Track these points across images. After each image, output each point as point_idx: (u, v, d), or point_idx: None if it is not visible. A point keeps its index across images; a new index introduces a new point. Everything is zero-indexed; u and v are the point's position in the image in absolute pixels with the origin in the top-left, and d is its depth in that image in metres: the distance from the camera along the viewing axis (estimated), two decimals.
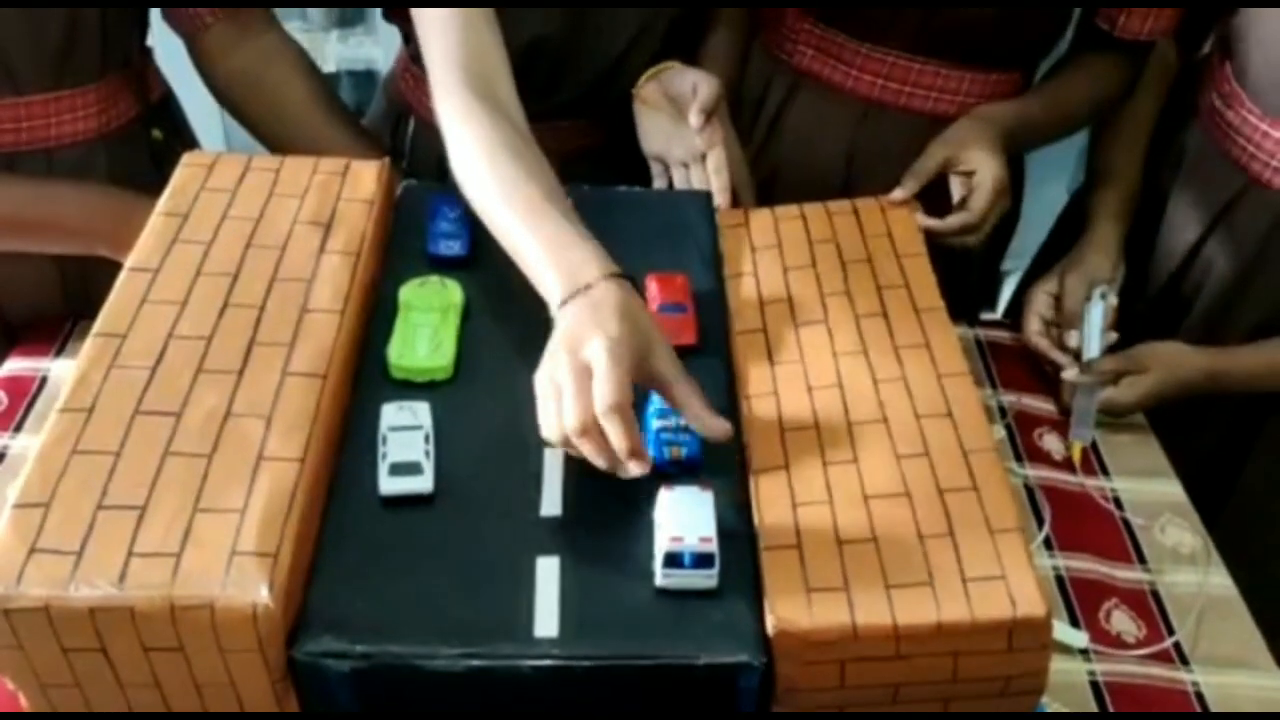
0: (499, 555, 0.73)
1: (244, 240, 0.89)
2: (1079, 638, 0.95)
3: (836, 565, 0.72)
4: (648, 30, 1.18)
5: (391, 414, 0.80)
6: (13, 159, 1.12)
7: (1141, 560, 1.04)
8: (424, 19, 0.97)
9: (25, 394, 1.12)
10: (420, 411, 0.80)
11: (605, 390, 0.72)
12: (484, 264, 0.91)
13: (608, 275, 0.78)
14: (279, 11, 1.25)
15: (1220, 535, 1.08)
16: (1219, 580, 1.03)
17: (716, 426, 0.77)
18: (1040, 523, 1.06)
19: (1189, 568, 1.04)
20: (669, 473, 0.77)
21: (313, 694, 0.70)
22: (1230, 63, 1.19)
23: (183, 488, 0.71)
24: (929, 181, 1.11)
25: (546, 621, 0.70)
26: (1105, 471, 1.13)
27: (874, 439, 0.81)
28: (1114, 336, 1.16)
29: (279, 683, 0.69)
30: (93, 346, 0.80)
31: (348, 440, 0.80)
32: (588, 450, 0.73)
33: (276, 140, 1.23)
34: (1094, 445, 1.15)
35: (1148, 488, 1.12)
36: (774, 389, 0.85)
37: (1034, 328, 1.20)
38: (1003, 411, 1.18)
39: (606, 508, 0.76)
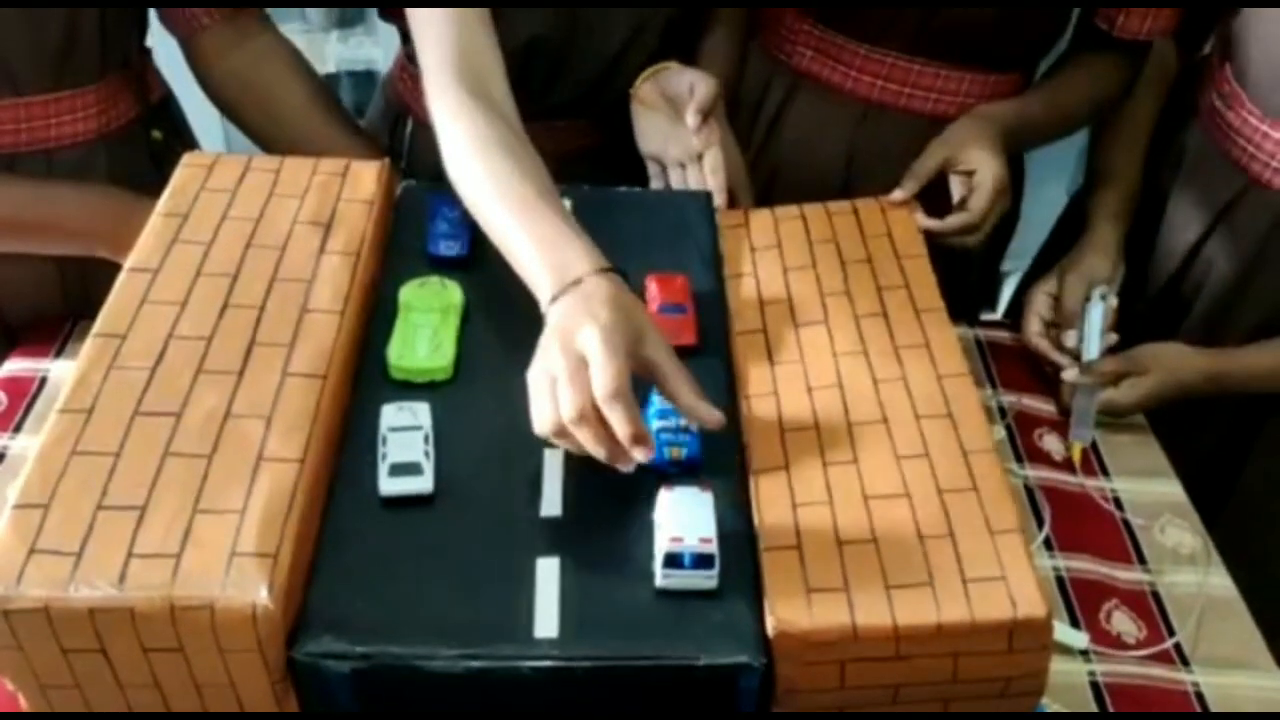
0: (499, 556, 0.73)
1: (244, 241, 0.89)
2: (1079, 638, 0.95)
3: (836, 566, 0.72)
4: (644, 30, 1.18)
5: (391, 414, 0.80)
6: (12, 160, 1.12)
7: (1141, 561, 1.04)
8: (418, 18, 0.97)
9: (25, 394, 1.12)
10: (420, 412, 0.80)
11: (605, 377, 0.71)
12: (484, 264, 0.91)
13: (598, 270, 0.78)
14: (279, 12, 1.25)
15: (1220, 535, 1.08)
16: (1219, 581, 1.03)
17: (710, 415, 0.76)
18: (1040, 523, 1.06)
19: (1189, 568, 1.04)
20: (669, 473, 0.77)
21: (313, 694, 0.70)
22: (1230, 63, 1.19)
23: (183, 488, 0.71)
24: (929, 181, 1.11)
25: (546, 622, 0.69)
26: (1105, 472, 1.13)
27: (874, 439, 0.81)
28: (1114, 338, 1.16)
29: (279, 683, 0.69)
30: (92, 347, 0.80)
31: (348, 441, 0.80)
32: (585, 438, 0.72)
33: (273, 142, 1.23)
34: (1094, 446, 1.15)
35: (1148, 488, 1.12)
36: (774, 389, 0.85)
37: (1034, 328, 1.20)
38: (1003, 412, 1.18)
39: (606, 508, 0.76)
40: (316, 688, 0.69)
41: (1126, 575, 1.02)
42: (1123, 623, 0.98)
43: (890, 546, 0.73)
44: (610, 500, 0.76)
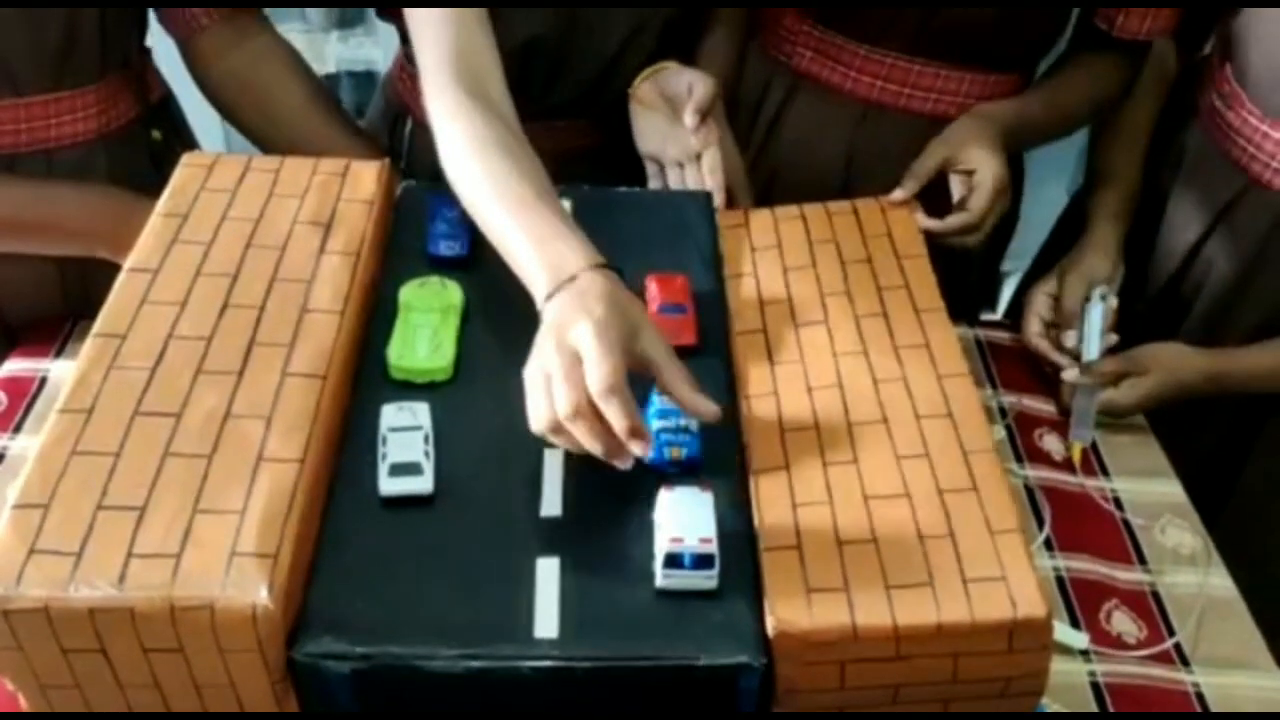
0: (499, 556, 0.73)
1: (244, 241, 0.89)
2: (1079, 639, 0.95)
3: (836, 566, 0.72)
4: (643, 30, 1.18)
5: (391, 414, 0.80)
6: (13, 160, 1.12)
7: (1142, 561, 1.04)
8: (416, 18, 0.97)
9: (25, 394, 1.12)
10: (420, 412, 0.80)
11: (600, 373, 0.71)
12: (484, 264, 0.91)
13: (593, 266, 0.78)
14: (279, 13, 1.26)
15: (1220, 535, 1.08)
16: (1219, 581, 1.03)
17: (708, 408, 0.76)
18: (1040, 523, 1.06)
19: (1189, 568, 1.04)
20: (669, 473, 0.77)
21: (312, 695, 0.70)
22: (1230, 63, 1.19)
23: (183, 488, 0.71)
24: (929, 181, 1.11)
25: (546, 622, 0.69)
26: (1105, 472, 1.13)
27: (874, 439, 0.81)
28: (1114, 338, 1.16)
29: (279, 683, 0.69)
30: (92, 347, 0.80)
31: (347, 441, 0.80)
32: (581, 434, 0.72)
33: (272, 143, 1.23)
34: (1094, 446, 1.15)
35: (1148, 488, 1.12)
36: (774, 389, 0.85)
37: (1034, 329, 1.20)
38: (1003, 412, 1.18)
39: (606, 508, 0.76)
40: (316, 688, 0.69)
41: (1127, 575, 1.02)
42: (1123, 623, 0.98)
43: (890, 546, 0.73)
44: (610, 500, 0.76)
